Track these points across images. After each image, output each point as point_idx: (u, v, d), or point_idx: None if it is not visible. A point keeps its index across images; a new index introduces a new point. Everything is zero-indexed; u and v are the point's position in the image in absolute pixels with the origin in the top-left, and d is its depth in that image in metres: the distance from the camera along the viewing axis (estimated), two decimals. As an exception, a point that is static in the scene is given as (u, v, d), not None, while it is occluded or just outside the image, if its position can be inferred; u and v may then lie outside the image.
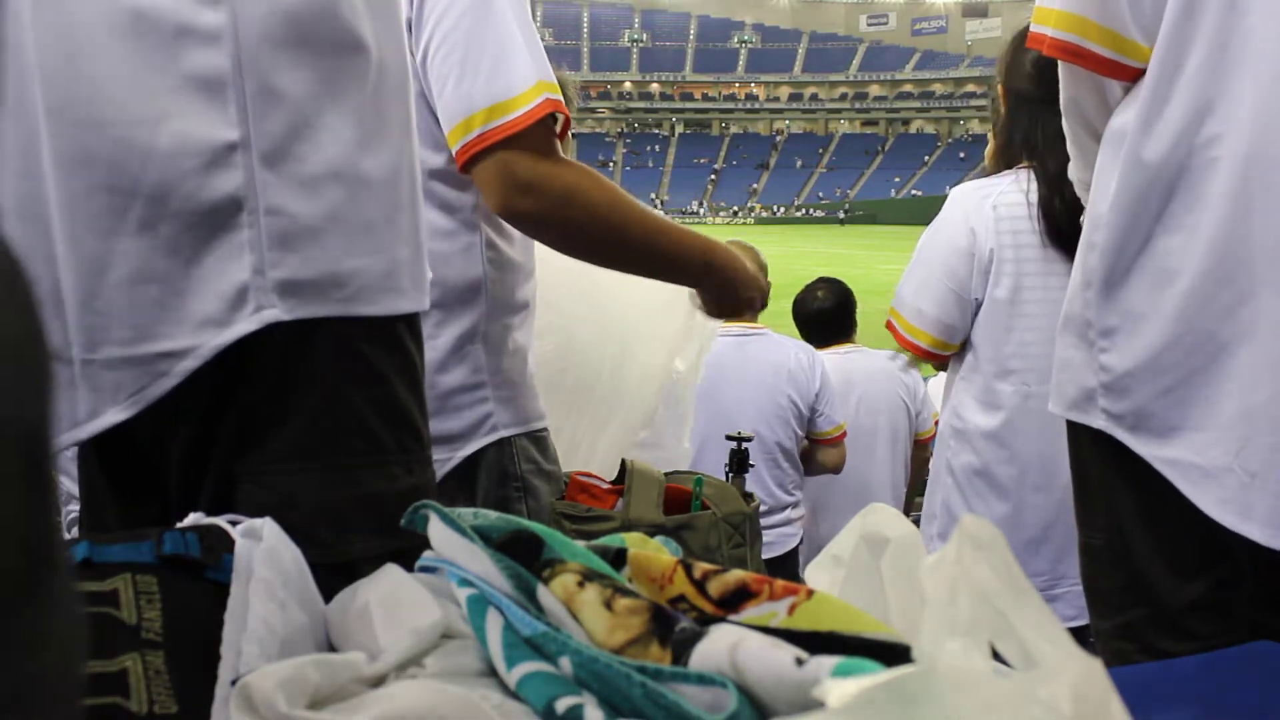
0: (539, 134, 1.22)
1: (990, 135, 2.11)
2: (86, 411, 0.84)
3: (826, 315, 3.24)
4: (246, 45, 0.82)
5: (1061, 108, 1.24)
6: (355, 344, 0.89)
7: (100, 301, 0.82)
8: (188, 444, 0.86)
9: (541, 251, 1.49)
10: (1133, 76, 1.14)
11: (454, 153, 1.24)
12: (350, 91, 0.88)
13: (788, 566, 2.78)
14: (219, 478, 0.86)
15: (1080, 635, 1.76)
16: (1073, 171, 1.33)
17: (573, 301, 1.71)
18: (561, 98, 1.25)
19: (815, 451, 2.93)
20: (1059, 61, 1.19)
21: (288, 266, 0.84)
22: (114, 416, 0.84)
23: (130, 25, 0.80)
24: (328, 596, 0.56)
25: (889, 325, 2.22)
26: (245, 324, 0.83)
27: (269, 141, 0.83)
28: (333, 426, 0.87)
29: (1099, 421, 1.16)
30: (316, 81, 0.85)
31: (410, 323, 0.95)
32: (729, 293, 1.40)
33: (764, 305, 1.52)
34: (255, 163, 0.83)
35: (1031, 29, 1.20)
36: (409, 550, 0.58)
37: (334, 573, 0.57)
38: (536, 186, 1.22)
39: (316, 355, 0.87)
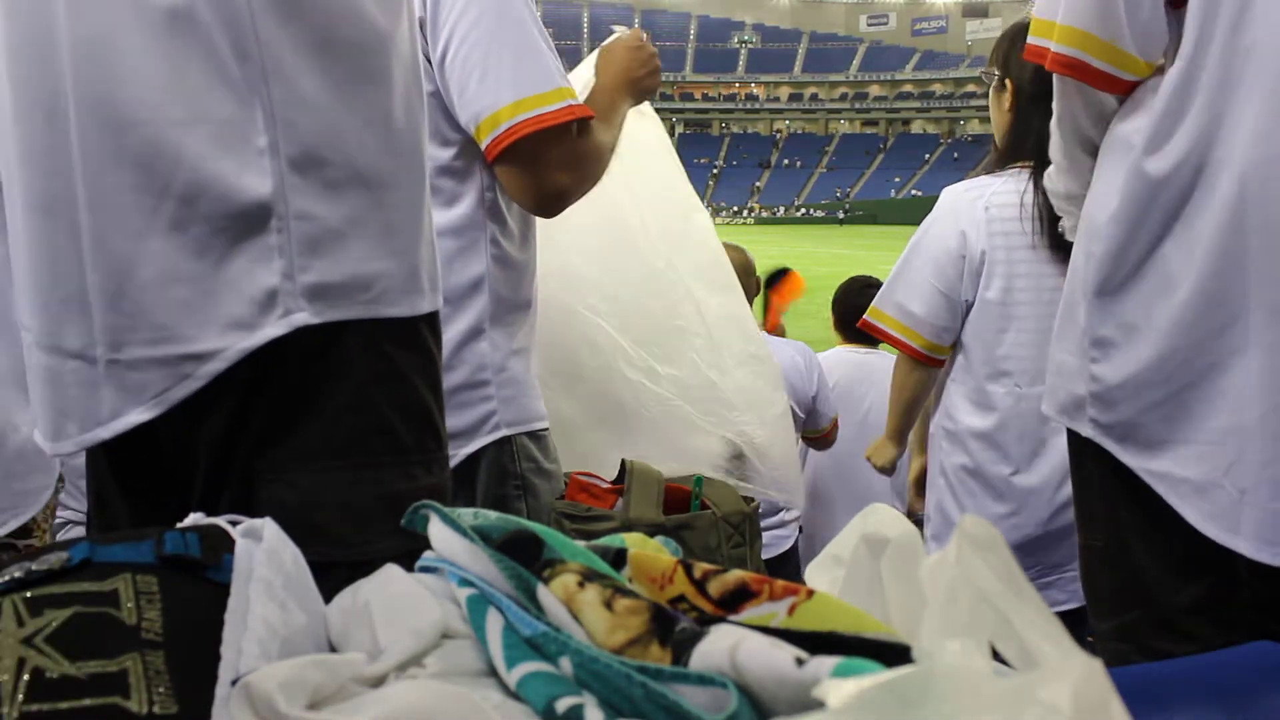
0: (565, 130, 1.27)
1: (999, 135, 2.09)
2: (109, 411, 0.84)
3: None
4: (271, 50, 0.82)
5: (1055, 119, 1.24)
6: (380, 343, 0.89)
7: (127, 302, 0.82)
8: (214, 443, 0.86)
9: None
10: (1126, 90, 1.14)
11: (484, 147, 1.27)
12: (374, 94, 0.88)
13: (784, 567, 2.78)
14: (243, 477, 0.86)
15: (1073, 623, 1.76)
16: (1055, 182, 1.32)
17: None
18: (581, 102, 1.29)
19: (808, 446, 2.96)
20: (1054, 74, 1.19)
21: (316, 271, 0.85)
22: (137, 417, 0.84)
23: (164, 27, 0.80)
24: None
25: (867, 325, 2.21)
26: (273, 328, 0.83)
27: (297, 146, 0.84)
28: (357, 425, 0.88)
29: (1087, 430, 1.16)
30: (342, 84, 0.86)
31: (431, 322, 0.95)
32: (647, 80, 1.53)
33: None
34: (284, 167, 0.83)
35: (1031, 42, 1.20)
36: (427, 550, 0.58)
37: (356, 571, 0.57)
38: (569, 166, 1.30)
39: (343, 354, 0.87)
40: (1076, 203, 1.27)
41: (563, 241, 1.66)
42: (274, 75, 0.82)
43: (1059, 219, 1.88)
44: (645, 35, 1.61)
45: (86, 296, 0.83)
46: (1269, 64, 0.99)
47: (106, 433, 0.85)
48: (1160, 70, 1.14)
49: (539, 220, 1.44)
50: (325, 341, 0.86)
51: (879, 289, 3.22)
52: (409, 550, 0.60)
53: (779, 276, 3.56)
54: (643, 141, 1.77)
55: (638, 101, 1.53)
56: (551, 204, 1.33)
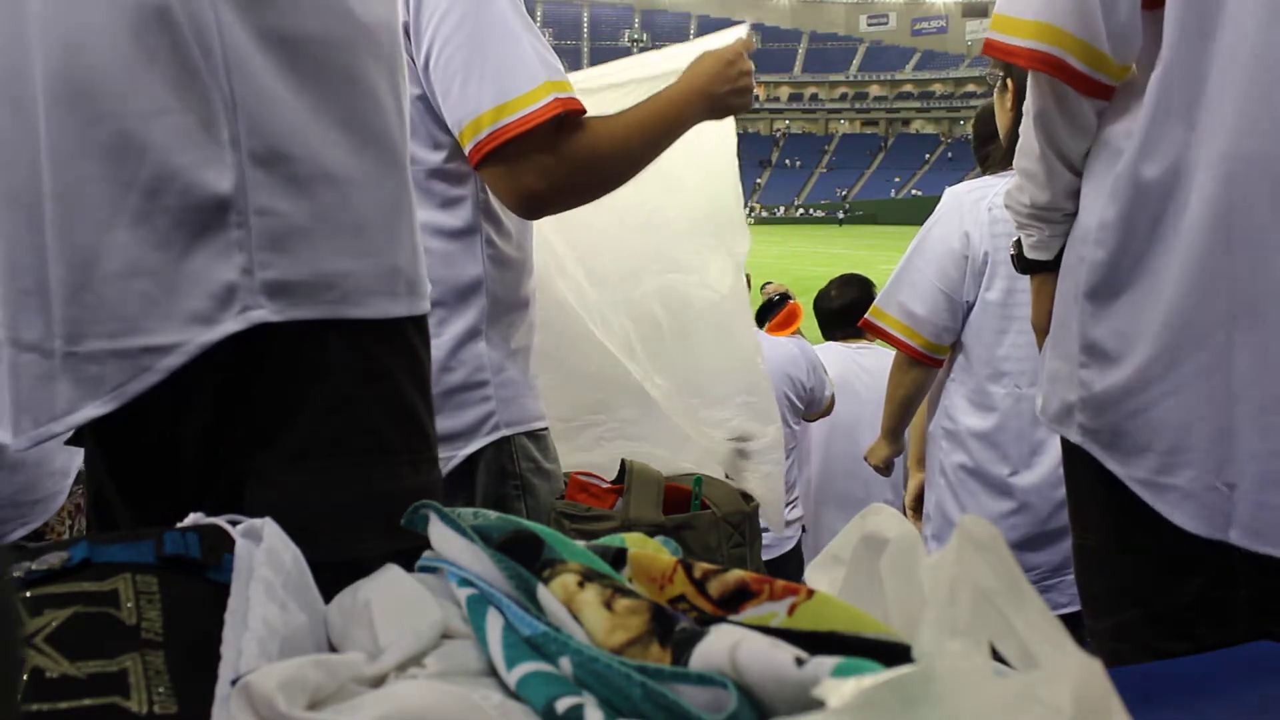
0: (548, 131, 1.24)
1: (1002, 135, 2.09)
2: (65, 405, 0.83)
3: (848, 311, 3.22)
4: (233, 43, 0.81)
5: (1031, 120, 1.20)
6: (364, 344, 0.89)
7: (89, 293, 0.82)
8: (197, 444, 0.86)
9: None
10: (1106, 95, 1.13)
11: (466, 152, 1.26)
12: (346, 91, 0.87)
13: (788, 567, 2.79)
14: (229, 478, 0.86)
15: (1075, 625, 1.76)
16: (1020, 195, 1.26)
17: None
18: (574, 94, 1.26)
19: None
20: (1030, 73, 1.16)
21: (277, 268, 0.84)
22: (93, 411, 0.83)
23: (135, 18, 0.80)
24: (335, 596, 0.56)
25: (868, 325, 2.21)
26: (232, 324, 0.82)
27: (260, 141, 0.83)
28: (342, 426, 0.87)
29: (1075, 436, 1.16)
30: (310, 81, 0.85)
31: (418, 323, 0.95)
32: (730, 98, 1.44)
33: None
34: (245, 161, 0.82)
35: (993, 38, 1.16)
36: (416, 550, 0.58)
37: (343, 572, 0.57)
38: (547, 169, 1.26)
39: (326, 354, 0.87)
40: (1044, 215, 1.23)
41: (597, 224, 1.62)
42: (236, 69, 0.81)
43: None
44: (751, 45, 1.49)
45: (46, 288, 0.82)
46: (1244, 66, 0.98)
47: (60, 427, 0.84)
48: (1135, 72, 1.13)
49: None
50: (309, 339, 0.86)
51: (847, 286, 3.28)
52: (397, 551, 0.59)
53: (777, 307, 3.29)
54: (711, 150, 1.69)
55: (714, 117, 1.45)
56: (530, 206, 1.30)
